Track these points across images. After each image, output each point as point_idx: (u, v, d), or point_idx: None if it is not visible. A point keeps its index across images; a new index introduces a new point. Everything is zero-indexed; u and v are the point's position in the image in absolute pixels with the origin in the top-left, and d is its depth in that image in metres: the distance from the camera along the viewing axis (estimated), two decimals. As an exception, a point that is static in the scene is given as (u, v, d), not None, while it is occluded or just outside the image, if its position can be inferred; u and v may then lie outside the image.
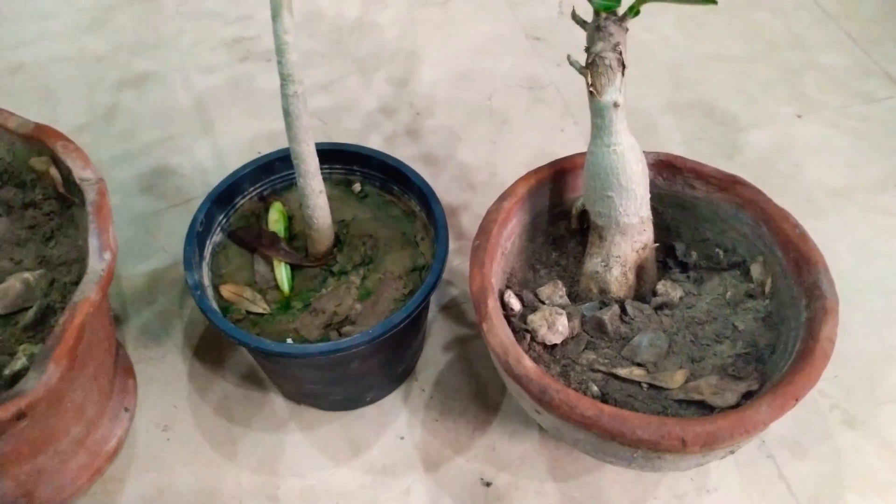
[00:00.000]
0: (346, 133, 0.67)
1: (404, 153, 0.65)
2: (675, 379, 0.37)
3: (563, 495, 0.46)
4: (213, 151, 0.66)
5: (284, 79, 0.39)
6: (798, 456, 0.48)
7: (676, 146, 0.66)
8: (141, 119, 0.69)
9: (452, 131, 0.67)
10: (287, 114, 0.40)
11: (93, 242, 0.38)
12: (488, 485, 0.47)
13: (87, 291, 0.36)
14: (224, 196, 0.47)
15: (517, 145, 0.66)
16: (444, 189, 0.62)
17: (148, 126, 0.68)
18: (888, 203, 0.62)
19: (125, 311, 0.55)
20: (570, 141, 0.66)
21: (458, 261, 0.58)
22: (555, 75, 0.72)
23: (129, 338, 0.54)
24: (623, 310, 0.41)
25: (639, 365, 0.39)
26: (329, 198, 0.46)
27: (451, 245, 0.58)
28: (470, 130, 0.67)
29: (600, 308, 0.41)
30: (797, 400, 0.33)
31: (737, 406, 0.36)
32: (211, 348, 0.53)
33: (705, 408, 0.36)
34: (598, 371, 0.38)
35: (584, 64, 0.38)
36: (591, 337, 0.40)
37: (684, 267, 0.44)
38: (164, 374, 0.52)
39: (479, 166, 0.64)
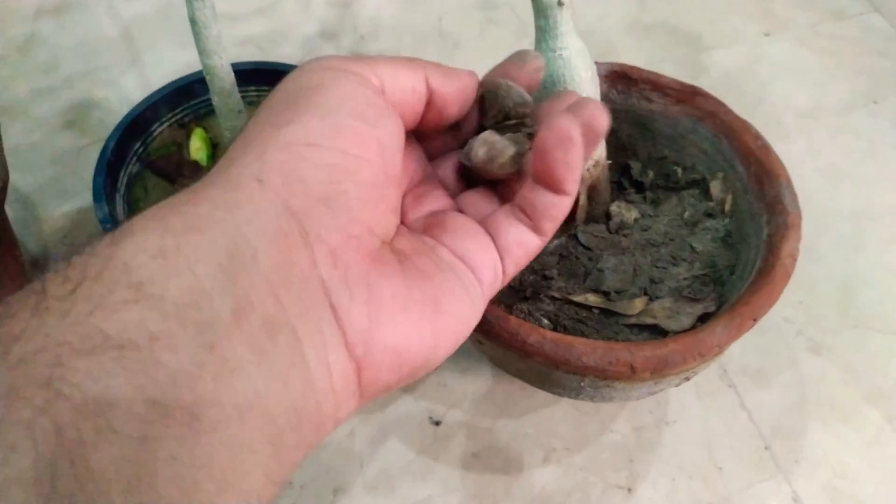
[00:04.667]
0: (285, 59, 0.61)
1: (348, 80, 0.60)
2: (634, 306, 0.34)
3: (516, 432, 0.44)
4: (140, 83, 0.61)
5: (186, -21, 0.34)
6: (761, 385, 0.46)
7: (639, 68, 0.63)
8: (62, 50, 0.63)
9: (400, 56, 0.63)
10: (193, 22, 0.35)
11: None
12: (437, 423, 0.45)
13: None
14: (138, 123, 0.43)
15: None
16: (391, 117, 0.58)
17: (70, 58, 0.63)
18: (857, 124, 0.59)
19: (46, 255, 0.51)
20: (526, 64, 0.62)
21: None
22: (510, -5, 0.68)
23: (52, 283, 0.50)
24: (575, 238, 0.38)
25: (603, 293, 0.36)
26: (256, 122, 0.42)
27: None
28: (419, 55, 0.61)
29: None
30: (755, 320, 0.31)
31: (692, 329, 0.33)
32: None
33: (659, 332, 0.34)
34: (553, 298, 0.35)
35: (524, -42, 0.34)
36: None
37: (640, 187, 0.41)
38: (90, 320, 0.48)
39: (428, 93, 0.60)
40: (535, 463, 0.43)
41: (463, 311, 0.22)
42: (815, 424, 0.45)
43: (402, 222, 0.25)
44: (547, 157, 0.23)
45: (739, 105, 0.45)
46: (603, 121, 0.25)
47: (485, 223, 0.25)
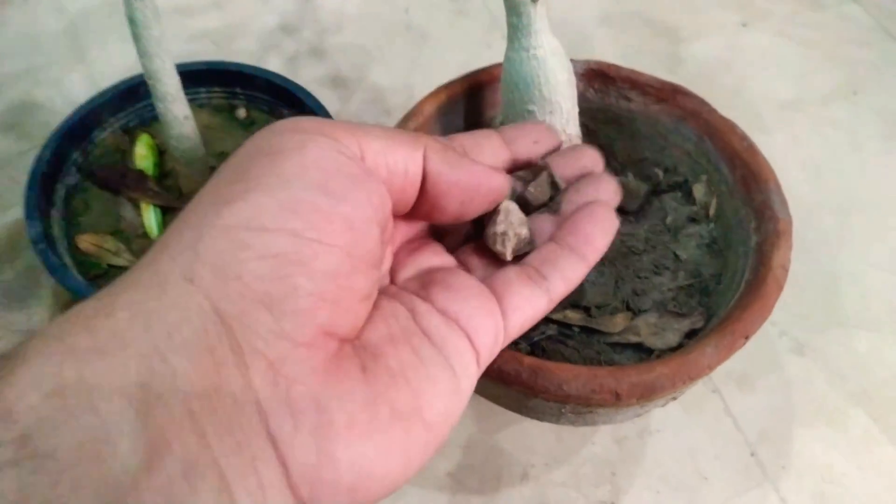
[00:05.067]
0: (242, 55, 0.58)
1: (309, 75, 0.57)
2: (616, 322, 0.32)
3: (492, 448, 0.42)
4: (87, 82, 0.57)
5: (120, -26, 0.31)
6: (745, 389, 0.45)
7: (614, 60, 0.60)
8: (1, 47, 0.59)
9: (364, 49, 0.60)
10: (133, 22, 0.32)
11: None
12: (412, 443, 0.42)
13: None
14: (77, 129, 0.39)
15: (439, 64, 0.59)
16: (357, 114, 0.55)
17: (10, 55, 0.58)
18: (838, 115, 0.58)
19: (-16, 272, 0.48)
20: (497, 58, 0.59)
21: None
22: (479, -16, 0.65)
23: (-10, 302, 0.46)
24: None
25: (583, 308, 0.33)
26: (208, 126, 0.39)
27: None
28: (384, 48, 0.60)
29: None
30: (747, 338, 0.29)
31: (679, 347, 0.31)
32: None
33: (643, 350, 0.31)
34: None
35: (493, -53, 0.31)
36: None
37: (619, 190, 0.39)
38: (33, 341, 0.45)
39: (395, 88, 0.57)
40: (514, 480, 0.41)
41: (446, 410, 0.18)
42: (801, 428, 0.43)
43: (392, 281, 0.22)
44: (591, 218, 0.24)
45: (718, 98, 0.44)
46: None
47: (490, 280, 0.22)
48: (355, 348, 0.18)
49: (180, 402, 0.15)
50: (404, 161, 0.20)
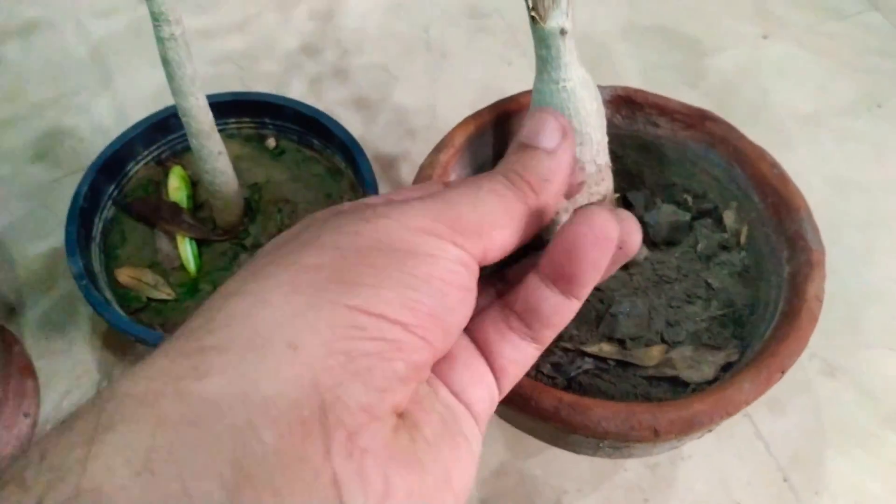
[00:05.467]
0: (265, 78, 0.59)
1: (332, 98, 0.58)
2: (651, 355, 0.32)
3: (524, 474, 0.42)
4: (114, 108, 0.58)
5: (157, 19, 0.31)
6: (776, 412, 0.44)
7: (635, 76, 0.60)
8: (28, 75, 0.60)
9: (386, 70, 0.60)
10: (166, 62, 0.33)
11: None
12: (443, 468, 0.43)
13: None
14: (112, 163, 0.40)
15: (460, 83, 0.59)
16: (380, 137, 0.55)
17: (37, 83, 0.59)
18: (862, 128, 0.57)
19: (21, 300, 0.48)
20: (518, 75, 0.60)
21: (398, 219, 0.52)
22: (499, 1, 0.65)
23: (28, 330, 0.47)
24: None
25: (618, 340, 0.33)
26: (238, 157, 0.39)
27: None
28: (406, 68, 0.60)
29: None
30: (783, 373, 0.29)
31: (714, 380, 0.31)
32: (123, 335, 0.47)
33: (679, 383, 0.32)
34: (565, 349, 0.33)
35: (523, -17, 0.32)
36: None
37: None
38: (70, 368, 0.45)
39: (418, 108, 0.57)
40: (547, 507, 0.41)
41: (468, 475, 0.19)
42: (833, 451, 0.43)
43: None
44: (577, 254, 0.20)
45: (740, 112, 0.44)
46: (638, 241, 0.24)
47: (476, 335, 0.22)
48: (403, 420, 0.19)
49: (267, 480, 0.15)
50: (504, 246, 0.21)
